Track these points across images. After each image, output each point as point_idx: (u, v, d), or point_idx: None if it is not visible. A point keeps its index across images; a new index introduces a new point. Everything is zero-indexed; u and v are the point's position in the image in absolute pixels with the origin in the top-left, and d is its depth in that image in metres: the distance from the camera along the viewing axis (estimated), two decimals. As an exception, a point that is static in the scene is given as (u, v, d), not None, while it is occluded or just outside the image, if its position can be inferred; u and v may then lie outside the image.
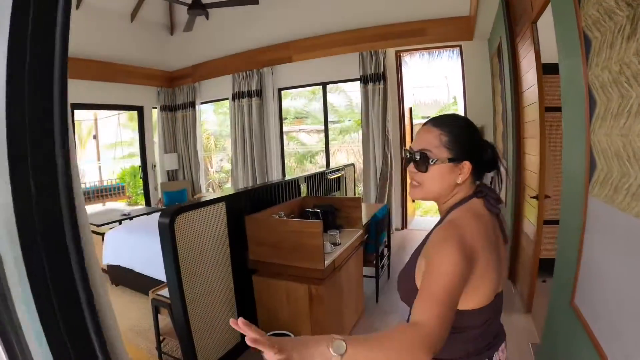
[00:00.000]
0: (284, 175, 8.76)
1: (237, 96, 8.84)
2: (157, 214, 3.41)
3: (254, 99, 8.56)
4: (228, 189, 11.68)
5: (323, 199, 4.42)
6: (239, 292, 3.50)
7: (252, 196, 3.75)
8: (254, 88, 8.56)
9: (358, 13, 7.35)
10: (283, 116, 8.85)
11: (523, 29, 3.75)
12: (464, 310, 1.24)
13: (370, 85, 7.20)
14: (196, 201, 3.33)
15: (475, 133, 1.37)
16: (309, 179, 5.02)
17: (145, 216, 6.87)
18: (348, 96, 11.88)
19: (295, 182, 4.58)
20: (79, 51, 8.07)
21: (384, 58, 7.09)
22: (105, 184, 14.04)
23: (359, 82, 7.40)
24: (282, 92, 8.80)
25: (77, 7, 8.12)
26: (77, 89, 8.15)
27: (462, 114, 6.93)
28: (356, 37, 7.29)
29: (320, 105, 8.67)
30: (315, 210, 4.02)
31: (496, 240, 1.32)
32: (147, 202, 10.09)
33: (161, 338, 3.65)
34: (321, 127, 8.70)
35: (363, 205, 4.82)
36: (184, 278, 2.90)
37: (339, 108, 11.96)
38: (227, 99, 9.34)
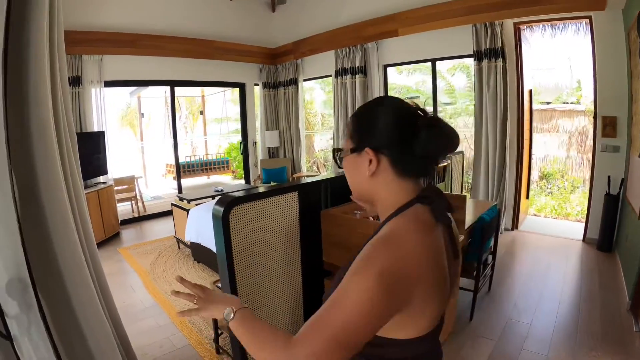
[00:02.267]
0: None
1: (340, 73, 8.38)
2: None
3: (357, 76, 8.04)
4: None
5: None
6: (308, 296, 3.03)
7: (335, 185, 3.18)
8: (357, 64, 8.04)
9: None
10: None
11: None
12: (402, 339, 1.01)
13: (485, 63, 6.32)
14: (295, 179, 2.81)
15: (388, 114, 1.06)
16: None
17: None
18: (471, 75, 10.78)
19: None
20: (180, 30, 8.19)
21: (501, 31, 6.16)
22: (210, 157, 14.42)
23: (472, 59, 6.54)
24: (391, 67, 8.20)
25: None
26: (178, 67, 8.35)
27: (590, 100, 5.88)
28: (469, 6, 6.40)
29: (438, 83, 7.91)
30: (409, 208, 3.29)
31: (443, 257, 1.06)
32: (247, 179, 10.15)
33: (219, 332, 3.44)
34: (431, 109, 7.91)
35: (469, 203, 4.12)
36: (238, 278, 2.50)
37: (457, 88, 11.01)
38: (330, 75, 8.93)
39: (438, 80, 7.95)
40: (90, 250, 2.21)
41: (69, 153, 2.07)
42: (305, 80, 9.70)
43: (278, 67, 9.96)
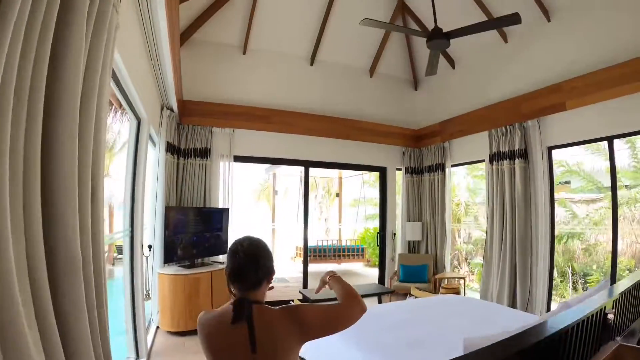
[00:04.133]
0: (551, 265, 6.63)
1: (495, 157, 7.33)
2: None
3: (517, 160, 6.91)
4: (477, 265, 10.03)
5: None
6: None
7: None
8: (516, 147, 6.93)
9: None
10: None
11: None
12: None
13: None
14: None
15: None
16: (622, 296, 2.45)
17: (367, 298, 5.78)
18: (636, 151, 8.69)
19: (600, 315, 2.18)
20: (316, 108, 8.12)
21: None
22: (344, 243, 13.89)
23: None
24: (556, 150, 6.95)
25: (312, 63, 8.35)
26: (314, 146, 8.13)
27: None
28: None
29: (597, 164, 6.51)
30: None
31: (233, 347, 1.68)
32: (381, 277, 9.23)
33: None
34: (596, 196, 6.47)
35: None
36: None
37: (619, 167, 9.07)
38: (482, 160, 7.91)
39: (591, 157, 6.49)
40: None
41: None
42: (453, 165, 8.75)
43: (422, 150, 9.20)
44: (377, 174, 9.39)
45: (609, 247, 6.77)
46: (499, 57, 7.57)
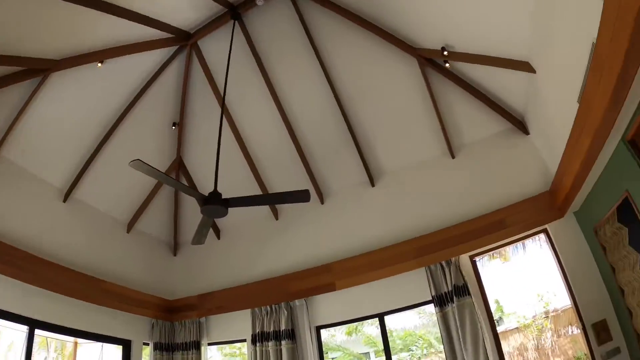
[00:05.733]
0: None
1: (258, 338, 6.90)
2: None
3: (283, 342, 6.61)
4: None
5: None
6: None
7: None
8: (283, 327, 6.70)
9: (416, 218, 6.31)
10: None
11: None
12: None
13: (449, 307, 5.61)
14: None
15: None
16: None
17: None
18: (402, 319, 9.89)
19: None
20: (59, 255, 6.45)
21: (459, 267, 5.69)
22: None
23: (432, 306, 5.86)
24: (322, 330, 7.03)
25: (65, 199, 6.88)
26: (47, 303, 6.26)
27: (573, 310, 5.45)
28: (418, 247, 6.01)
29: (359, 337, 6.84)
30: None
31: None
32: None
33: None
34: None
35: None
36: None
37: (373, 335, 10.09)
38: (244, 340, 7.38)
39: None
40: None
41: None
42: (210, 344, 7.89)
43: (175, 324, 8.10)
44: (120, 347, 7.74)
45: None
46: (268, 232, 7.67)
